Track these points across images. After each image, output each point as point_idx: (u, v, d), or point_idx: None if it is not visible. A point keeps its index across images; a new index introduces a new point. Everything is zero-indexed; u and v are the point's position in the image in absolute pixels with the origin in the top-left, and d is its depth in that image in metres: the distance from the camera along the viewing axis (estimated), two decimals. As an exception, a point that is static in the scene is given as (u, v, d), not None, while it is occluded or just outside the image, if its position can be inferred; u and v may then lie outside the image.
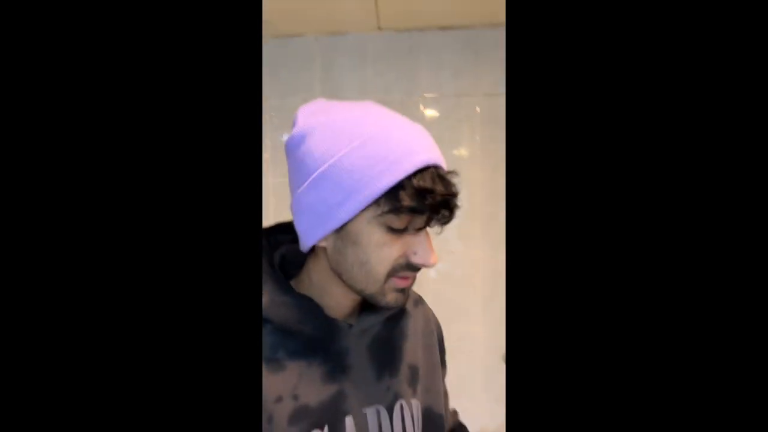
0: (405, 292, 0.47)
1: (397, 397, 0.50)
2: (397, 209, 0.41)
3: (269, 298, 0.46)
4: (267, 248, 0.51)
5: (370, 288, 0.45)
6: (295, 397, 0.45)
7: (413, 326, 0.57)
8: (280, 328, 0.46)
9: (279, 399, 0.44)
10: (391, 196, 0.41)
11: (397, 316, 0.55)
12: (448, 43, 1.44)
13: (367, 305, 0.51)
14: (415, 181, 0.41)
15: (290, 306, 0.46)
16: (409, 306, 0.58)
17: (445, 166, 0.44)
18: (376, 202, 0.42)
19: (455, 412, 0.68)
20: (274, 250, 0.53)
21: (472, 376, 1.41)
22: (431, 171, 0.42)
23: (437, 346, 0.59)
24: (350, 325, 0.49)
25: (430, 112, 1.46)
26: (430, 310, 0.62)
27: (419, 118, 1.34)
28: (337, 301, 0.50)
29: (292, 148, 0.46)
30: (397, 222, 0.42)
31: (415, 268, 0.45)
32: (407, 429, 0.50)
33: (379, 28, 1.43)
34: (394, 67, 1.45)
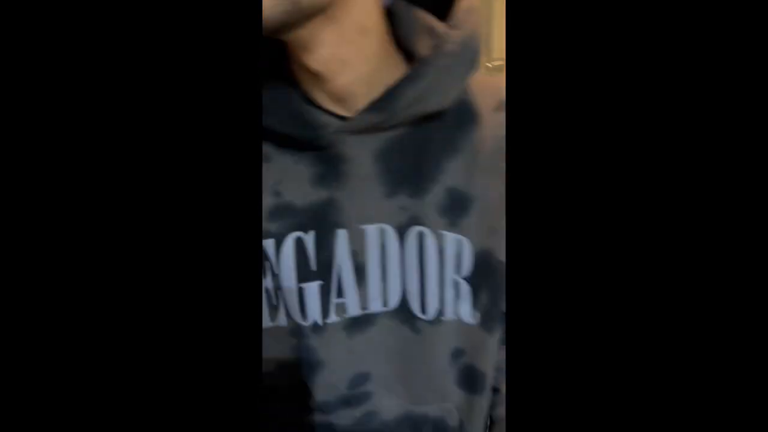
0: None
1: (414, 221, 0.38)
2: None
3: None
4: None
5: None
6: (278, 194, 0.38)
7: (477, 138, 0.39)
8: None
9: None
10: None
11: (448, 118, 0.38)
12: None
13: (387, 95, 0.36)
14: None
15: None
16: (486, 111, 0.40)
17: None
18: None
19: None
20: None
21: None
22: None
23: None
24: (341, 118, 0.37)
25: None
26: None
27: None
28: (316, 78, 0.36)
29: None
30: None
31: None
32: (428, 261, 0.38)
33: None
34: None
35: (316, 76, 0.36)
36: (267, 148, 0.38)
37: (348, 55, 0.36)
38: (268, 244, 0.38)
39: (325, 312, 0.38)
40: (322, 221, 0.38)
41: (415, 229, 0.38)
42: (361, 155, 0.37)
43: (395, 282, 0.38)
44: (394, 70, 0.37)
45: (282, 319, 0.39)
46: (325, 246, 0.37)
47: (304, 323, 0.38)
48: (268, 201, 0.38)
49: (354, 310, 0.38)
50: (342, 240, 0.37)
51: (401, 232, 0.38)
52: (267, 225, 0.38)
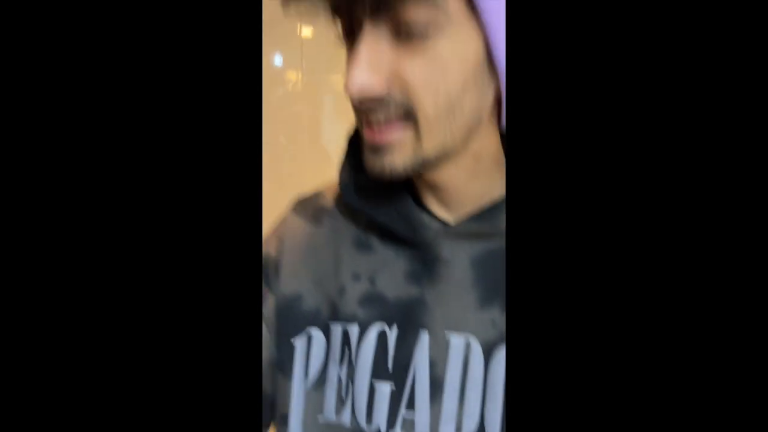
0: (382, 154, 0.34)
1: (503, 338, 0.36)
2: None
3: (344, 176, 0.40)
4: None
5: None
6: (372, 282, 0.39)
7: None
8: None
9: (356, 277, 0.40)
10: None
11: None
12: None
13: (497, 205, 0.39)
14: None
15: (365, 188, 0.39)
16: None
17: None
18: None
19: None
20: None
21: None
22: None
23: None
24: (444, 224, 0.39)
25: None
26: None
27: None
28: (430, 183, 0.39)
29: None
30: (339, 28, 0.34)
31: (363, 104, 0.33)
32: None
33: None
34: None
35: (428, 183, 0.39)
36: (371, 239, 0.41)
37: (461, 174, 0.38)
38: (353, 331, 0.39)
39: (391, 422, 0.36)
40: (408, 318, 0.38)
41: (505, 348, 0.35)
42: (459, 259, 0.37)
43: (475, 406, 0.35)
44: (502, 184, 0.39)
45: (346, 417, 0.38)
46: (405, 345, 0.37)
47: (367, 429, 0.37)
48: (362, 287, 0.40)
49: (423, 430, 0.36)
50: (423, 343, 0.37)
51: (488, 350, 0.35)
52: (356, 310, 0.39)
